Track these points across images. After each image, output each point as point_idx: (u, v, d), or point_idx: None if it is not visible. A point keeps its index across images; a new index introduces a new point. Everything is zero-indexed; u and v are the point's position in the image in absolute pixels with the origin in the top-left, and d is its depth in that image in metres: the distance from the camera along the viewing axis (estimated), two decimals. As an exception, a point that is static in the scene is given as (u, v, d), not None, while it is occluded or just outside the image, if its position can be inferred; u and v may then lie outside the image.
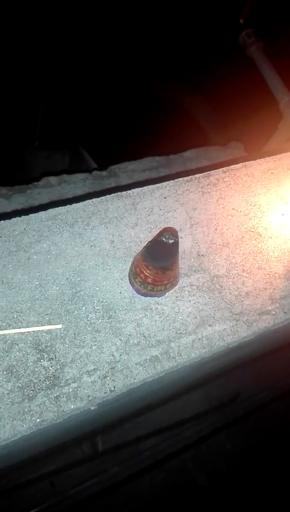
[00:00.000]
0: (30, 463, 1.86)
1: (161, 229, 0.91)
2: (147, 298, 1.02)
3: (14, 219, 1.03)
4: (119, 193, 1.15)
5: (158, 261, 0.92)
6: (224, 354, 1.06)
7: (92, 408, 0.91)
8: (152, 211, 1.14)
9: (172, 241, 0.88)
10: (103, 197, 1.13)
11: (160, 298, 1.03)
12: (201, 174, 1.23)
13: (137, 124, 3.02)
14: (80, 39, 2.71)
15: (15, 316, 0.91)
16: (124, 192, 1.16)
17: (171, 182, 1.20)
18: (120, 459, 2.32)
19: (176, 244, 0.89)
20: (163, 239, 0.87)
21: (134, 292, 1.02)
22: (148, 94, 3.14)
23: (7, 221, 1.02)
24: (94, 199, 1.12)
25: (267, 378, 2.59)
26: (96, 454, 2.36)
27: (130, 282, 1.02)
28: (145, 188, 1.18)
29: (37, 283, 0.97)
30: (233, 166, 1.27)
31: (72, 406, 0.85)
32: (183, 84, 3.08)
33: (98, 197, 1.12)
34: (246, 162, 1.28)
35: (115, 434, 2.48)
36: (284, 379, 2.46)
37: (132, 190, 1.16)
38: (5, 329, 0.89)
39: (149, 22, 2.76)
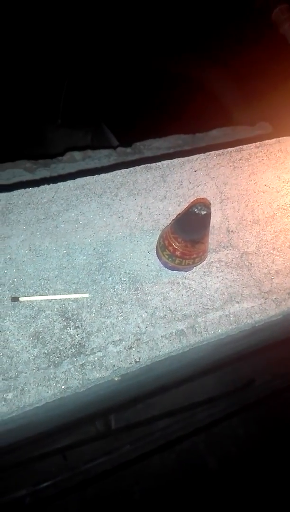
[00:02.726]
0: (44, 437, 1.89)
1: (192, 200, 0.89)
2: (174, 272, 1.00)
3: (43, 186, 1.01)
4: (148, 164, 1.12)
5: (188, 234, 0.89)
6: (245, 335, 1.04)
7: (116, 378, 0.90)
8: (181, 184, 1.11)
9: (205, 212, 0.85)
10: (132, 168, 1.10)
11: (187, 272, 1.00)
12: (233, 148, 1.19)
13: (161, 103, 2.95)
14: (102, 16, 2.64)
15: (42, 283, 0.90)
16: (153, 164, 1.13)
17: (202, 155, 1.17)
18: (132, 438, 2.34)
19: (208, 216, 0.86)
20: (195, 210, 0.84)
21: (161, 265, 1.00)
22: (174, 74, 3.06)
23: (36, 188, 1.00)
24: (122, 170, 1.09)
25: (282, 366, 2.55)
26: (109, 432, 2.39)
27: (158, 255, 1.00)
28: (175, 160, 1.15)
29: (64, 251, 0.95)
30: (267, 141, 1.23)
31: (97, 375, 0.84)
32: (210, 63, 3.00)
33: (127, 168, 1.09)
34: (280, 138, 1.23)
35: (128, 413, 2.50)
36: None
37: (162, 162, 1.13)
38: (32, 296, 0.88)
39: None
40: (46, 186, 1.01)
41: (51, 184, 1.02)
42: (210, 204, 0.89)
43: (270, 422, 2.67)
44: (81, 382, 0.83)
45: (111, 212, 1.03)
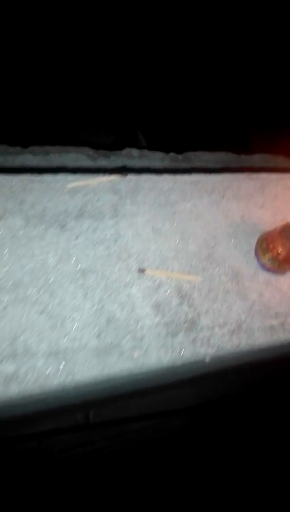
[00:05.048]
0: (23, 420, 1.88)
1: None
2: (269, 273, 1.10)
3: (165, 175, 1.11)
4: (250, 174, 1.24)
5: (299, 241, 1.00)
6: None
7: (207, 360, 0.99)
8: (276, 197, 1.23)
9: None
10: (236, 174, 1.21)
11: (279, 276, 1.11)
12: None
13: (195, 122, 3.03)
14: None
15: (161, 261, 1.00)
16: (254, 174, 1.24)
17: (293, 176, 1.29)
18: (109, 434, 2.34)
19: None
20: (316, 221, 0.95)
21: (259, 266, 1.10)
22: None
23: (159, 176, 1.10)
24: (229, 174, 1.20)
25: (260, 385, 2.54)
26: (87, 425, 2.37)
27: (257, 256, 1.10)
28: (272, 175, 1.26)
29: (179, 236, 1.05)
30: None
31: (204, 351, 0.94)
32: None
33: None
34: None
35: (107, 410, 2.51)
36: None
37: (261, 174, 1.25)
38: (154, 270, 0.97)
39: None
40: (167, 176, 1.11)
41: (171, 175, 1.12)
42: None
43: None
44: (191, 354, 0.92)
45: (219, 210, 1.13)
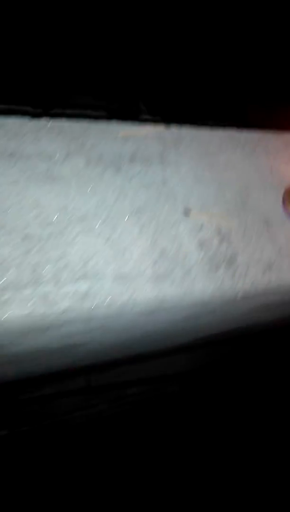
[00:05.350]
0: (28, 383, 1.96)
1: None
2: (295, 221, 1.22)
3: (203, 129, 1.20)
4: (276, 133, 1.34)
5: None
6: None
7: (239, 296, 1.12)
8: (300, 155, 1.34)
9: None
10: (264, 132, 1.31)
11: (303, 224, 1.23)
12: None
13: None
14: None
15: (203, 204, 1.10)
16: (280, 133, 1.34)
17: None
18: (109, 398, 2.45)
19: None
20: None
21: (286, 213, 1.22)
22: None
23: (199, 129, 1.19)
24: (258, 132, 1.30)
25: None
26: (89, 388, 2.48)
27: (283, 205, 1.22)
28: (296, 135, 1.37)
29: (217, 185, 1.15)
30: None
31: (241, 284, 1.06)
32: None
33: (260, 129, 1.30)
34: None
35: (108, 375, 2.61)
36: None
37: (286, 134, 1.35)
38: (197, 213, 1.08)
39: None
40: (205, 129, 1.20)
41: (208, 129, 1.21)
42: None
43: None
44: (231, 287, 1.04)
45: (250, 163, 1.24)
